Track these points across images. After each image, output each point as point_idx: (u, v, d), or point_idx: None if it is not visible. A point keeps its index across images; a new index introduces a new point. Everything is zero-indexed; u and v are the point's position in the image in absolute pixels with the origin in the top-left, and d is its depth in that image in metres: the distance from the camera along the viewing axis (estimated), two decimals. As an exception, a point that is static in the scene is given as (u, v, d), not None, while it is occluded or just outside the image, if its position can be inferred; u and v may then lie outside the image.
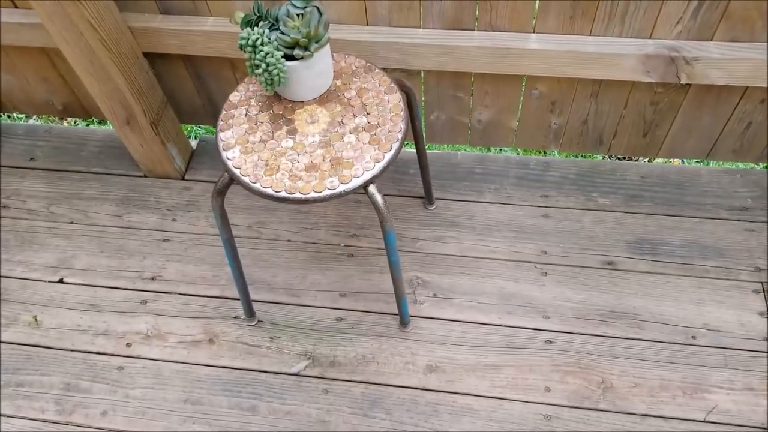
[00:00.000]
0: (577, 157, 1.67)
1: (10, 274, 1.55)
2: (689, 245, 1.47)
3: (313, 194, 0.98)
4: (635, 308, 1.39)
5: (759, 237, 1.47)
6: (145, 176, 1.69)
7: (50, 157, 1.75)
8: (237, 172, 1.02)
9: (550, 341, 1.36)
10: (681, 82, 1.30)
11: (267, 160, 1.02)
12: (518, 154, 1.69)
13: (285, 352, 1.39)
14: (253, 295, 1.46)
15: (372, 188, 1.01)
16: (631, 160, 1.87)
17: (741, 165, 1.64)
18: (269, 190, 0.99)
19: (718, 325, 1.35)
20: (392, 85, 1.10)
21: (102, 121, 2.12)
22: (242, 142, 1.05)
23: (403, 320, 1.37)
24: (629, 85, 1.38)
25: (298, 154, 1.03)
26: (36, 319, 1.48)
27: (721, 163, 1.63)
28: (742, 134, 1.46)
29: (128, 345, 1.42)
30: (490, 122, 1.53)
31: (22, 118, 2.17)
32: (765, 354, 1.31)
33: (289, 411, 1.32)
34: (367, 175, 0.99)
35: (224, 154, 1.04)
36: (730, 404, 1.26)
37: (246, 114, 1.09)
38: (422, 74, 1.43)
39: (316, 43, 0.99)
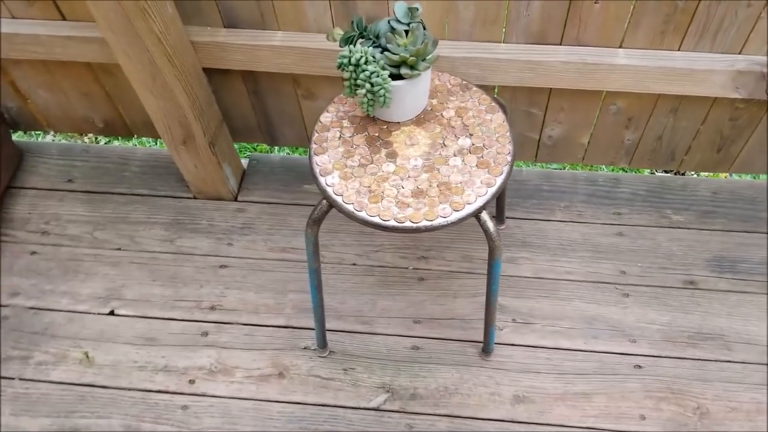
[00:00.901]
0: (644, 172, 1.62)
1: (56, 306, 1.46)
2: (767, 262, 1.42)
3: (424, 223, 0.91)
4: (722, 329, 1.34)
5: (842, 253, 1.42)
6: (194, 198, 1.61)
7: (90, 179, 1.66)
8: (339, 199, 0.95)
9: (640, 366, 1.30)
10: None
11: (370, 186, 0.96)
12: (584, 170, 1.64)
13: (361, 384, 1.32)
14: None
15: (484, 215, 0.94)
16: (698, 175, 1.82)
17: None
18: (376, 219, 0.92)
19: (811, 346, 1.31)
20: (493, 104, 1.04)
21: (143, 140, 2.04)
22: (340, 167, 0.98)
23: (488, 348, 1.30)
24: (711, 101, 1.33)
25: (402, 179, 0.96)
26: (87, 356, 1.39)
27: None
28: (820, 148, 1.42)
29: (191, 382, 1.34)
30: (560, 138, 1.48)
31: (48, 135, 2.08)
32: None
33: (370, 448, 1.24)
34: (480, 201, 0.93)
35: (322, 180, 0.97)
36: (833, 429, 1.21)
37: (340, 137, 1.02)
38: (496, 89, 1.37)
39: (424, 61, 0.93)
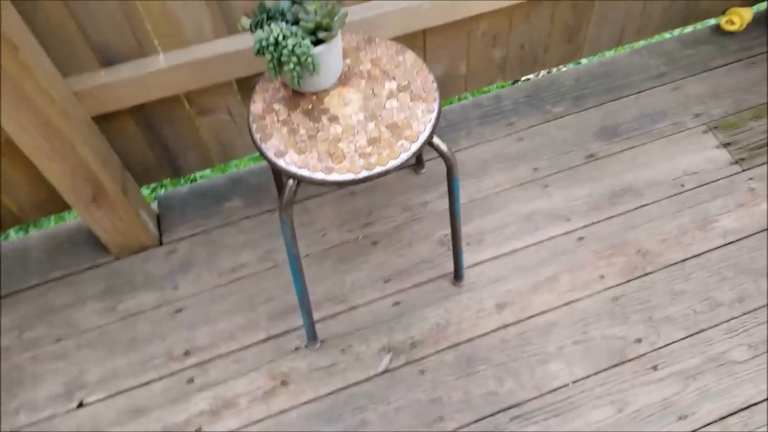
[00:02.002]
0: (516, 83, 1.80)
1: (14, 426, 1.31)
2: (639, 118, 1.66)
3: (392, 162, 0.97)
4: (629, 182, 1.55)
5: (684, 91, 1.70)
6: (117, 258, 1.51)
7: (-11, 286, 1.50)
8: (305, 172, 0.97)
9: (582, 237, 1.47)
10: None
11: (328, 151, 0.99)
12: (468, 98, 1.79)
13: (363, 356, 1.34)
14: (302, 320, 1.39)
15: (436, 138, 1.02)
16: (559, 69, 2.03)
17: (642, 43, 1.88)
18: (349, 176, 0.96)
19: (694, 168, 1.56)
20: (400, 46, 1.11)
21: (34, 224, 1.85)
22: (292, 144, 1.00)
23: (459, 274, 1.39)
24: (553, -2, 1.53)
25: (353, 135, 1.01)
26: (75, 454, 1.27)
27: (628, 47, 1.86)
28: (641, 14, 1.68)
29: (198, 431, 1.28)
30: (444, 75, 1.60)
31: None
32: (737, 174, 1.53)
33: (398, 407, 1.28)
34: (429, 128, 1.01)
35: (281, 161, 0.99)
36: (734, 223, 1.46)
37: (278, 119, 1.04)
38: (373, 48, 1.45)
39: (338, 20, 0.98)
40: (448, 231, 1.50)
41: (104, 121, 1.33)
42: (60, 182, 1.25)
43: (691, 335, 1.31)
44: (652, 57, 1.79)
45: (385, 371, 1.32)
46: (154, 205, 1.60)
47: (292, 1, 0.99)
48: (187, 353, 1.37)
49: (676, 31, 1.91)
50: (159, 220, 1.57)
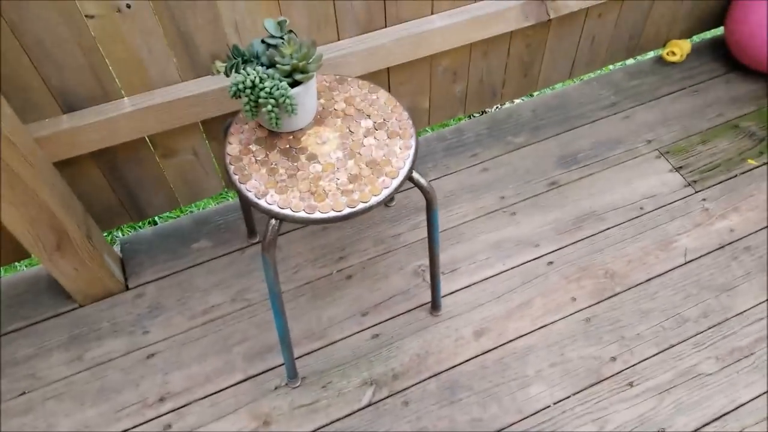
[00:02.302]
0: (476, 116, 1.86)
1: (-27, 488, 1.24)
2: (595, 146, 1.74)
3: (374, 199, 0.99)
4: (591, 207, 1.61)
5: (634, 120, 1.79)
6: (81, 306, 1.46)
7: (-59, 342, 1.42)
8: (287, 212, 0.97)
9: (551, 262, 1.52)
10: (550, 17, 1.55)
11: (309, 190, 1.00)
12: (431, 131, 1.83)
13: (345, 391, 1.33)
14: (280, 359, 1.37)
15: (415, 174, 1.04)
16: (513, 102, 2.12)
17: (592, 75, 1.98)
18: (331, 213, 0.97)
19: (651, 192, 1.63)
20: (372, 84, 1.14)
21: None
22: (272, 184, 1.01)
23: (437, 303, 1.41)
24: (509, 36, 1.59)
25: (334, 173, 1.02)
26: None
27: (578, 79, 1.95)
28: (590, 49, 1.77)
29: (178, 477, 1.24)
30: (408, 110, 1.63)
31: None
32: (691, 196, 1.62)
33: (383, 440, 1.27)
34: (408, 163, 1.03)
35: (262, 201, 0.99)
36: (693, 242, 1.53)
37: (256, 160, 1.04)
38: (341, 86, 1.48)
39: (314, 62, 1.00)
40: (422, 262, 1.52)
41: (65, 165, 1.30)
42: (21, 231, 1.21)
43: (662, 351, 1.36)
44: (601, 88, 1.88)
45: (369, 404, 1.32)
46: (117, 249, 1.55)
47: (266, 45, 1.01)
48: (162, 399, 1.33)
49: (620, 64, 2.02)
50: (123, 264, 1.53)
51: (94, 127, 1.23)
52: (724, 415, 1.27)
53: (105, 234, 1.82)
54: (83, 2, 1.08)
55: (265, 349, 1.39)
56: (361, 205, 0.98)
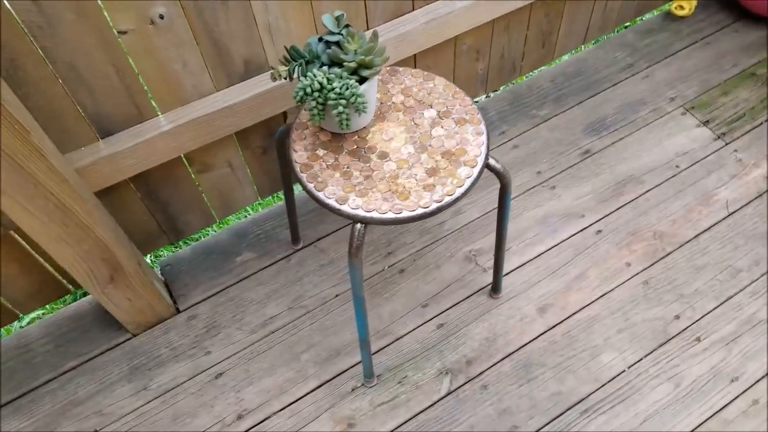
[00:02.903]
0: (494, 93, 1.84)
1: None
2: (621, 109, 1.74)
3: (458, 191, 0.97)
4: (628, 171, 1.62)
5: (654, 78, 1.80)
6: (134, 335, 1.42)
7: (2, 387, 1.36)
8: (374, 214, 0.95)
9: (599, 231, 1.52)
10: (571, -17, 1.53)
11: (389, 189, 0.97)
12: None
13: (422, 384, 1.32)
14: (351, 361, 1.35)
15: (491, 161, 1.03)
16: (532, 74, 2.10)
17: (604, 37, 1.97)
18: (419, 211, 0.95)
19: (683, 149, 1.65)
20: (427, 73, 1.11)
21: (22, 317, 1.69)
22: (351, 188, 0.98)
23: (498, 287, 1.40)
24: (529, 6, 1.58)
25: (410, 169, 1.00)
26: None
27: (590, 44, 1.94)
28: (603, 12, 1.77)
29: (270, 494, 1.22)
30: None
31: None
32: (723, 148, 1.64)
33: (471, 425, 1.27)
34: (484, 149, 1.01)
35: (346, 207, 0.96)
36: (732, 194, 1.55)
37: (327, 166, 1.01)
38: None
39: (378, 57, 0.97)
40: (471, 247, 1.51)
41: (103, 194, 1.25)
42: (75, 267, 1.15)
43: (722, 303, 1.38)
44: (615, 50, 1.88)
45: (448, 393, 1.31)
46: (158, 272, 1.51)
47: (326, 43, 0.97)
48: (240, 417, 1.30)
49: (631, 23, 2.02)
50: (168, 287, 1.49)
51: (132, 150, 1.17)
52: (797, 358, 1.30)
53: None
54: (115, 18, 1.02)
55: (333, 353, 1.37)
56: (447, 199, 0.96)
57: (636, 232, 1.51)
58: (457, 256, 1.50)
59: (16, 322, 1.58)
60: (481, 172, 0.99)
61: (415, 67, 1.51)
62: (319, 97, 0.94)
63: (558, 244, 1.51)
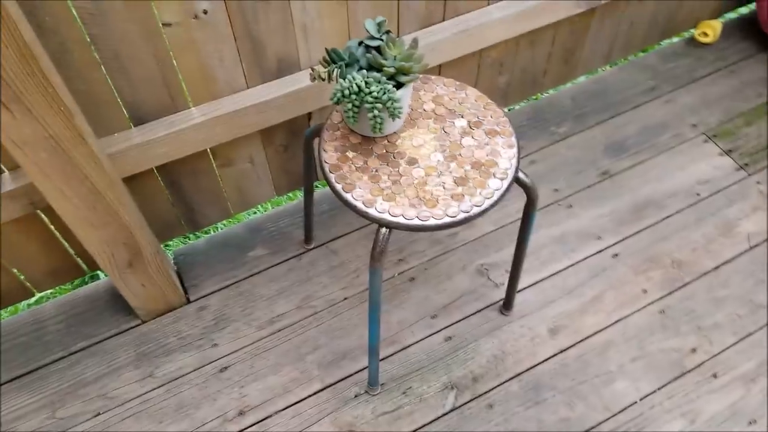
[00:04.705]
0: (514, 107, 1.84)
1: None
2: (642, 132, 1.74)
3: (487, 202, 0.96)
4: (648, 195, 1.61)
5: (676, 103, 1.79)
6: (144, 322, 1.41)
7: (10, 363, 1.36)
8: (400, 219, 0.94)
9: (616, 254, 1.51)
10: (602, 1, 1.53)
11: (418, 195, 0.97)
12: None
13: (426, 396, 1.31)
14: (355, 366, 1.34)
15: (521, 174, 1.02)
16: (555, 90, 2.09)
17: (627, 59, 1.97)
18: (445, 219, 0.94)
19: (705, 177, 1.64)
20: (460, 83, 1.11)
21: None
22: (378, 191, 0.97)
23: (510, 303, 1.39)
24: (555, 22, 1.57)
25: (438, 177, 0.99)
26: None
27: (613, 64, 1.94)
28: (627, 32, 1.76)
29: (268, 493, 1.21)
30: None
31: None
32: (745, 179, 1.63)
33: (472, 442, 1.26)
34: (514, 162, 1.01)
35: (372, 210, 0.95)
36: (754, 226, 1.54)
37: (355, 168, 1.00)
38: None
39: (417, 63, 0.96)
40: (483, 260, 1.50)
41: (130, 180, 1.24)
42: (98, 250, 1.15)
43: (741, 339, 1.36)
44: (638, 72, 1.88)
45: (453, 409, 1.30)
46: (171, 262, 1.50)
47: (366, 47, 0.97)
48: (242, 413, 1.29)
49: (655, 47, 2.02)
50: (180, 277, 1.48)
51: (164, 140, 1.17)
52: (810, 397, 1.29)
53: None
54: (161, 10, 1.03)
55: (339, 357, 1.36)
56: (475, 210, 0.95)
57: (654, 258, 1.50)
58: (469, 268, 1.49)
59: (25, 301, 1.58)
60: (510, 185, 0.99)
61: (440, 74, 1.50)
62: (356, 99, 0.93)
63: (574, 264, 1.50)
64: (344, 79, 0.93)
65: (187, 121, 1.19)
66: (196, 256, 1.52)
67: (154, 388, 1.32)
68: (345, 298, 1.45)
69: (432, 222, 0.94)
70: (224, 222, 1.68)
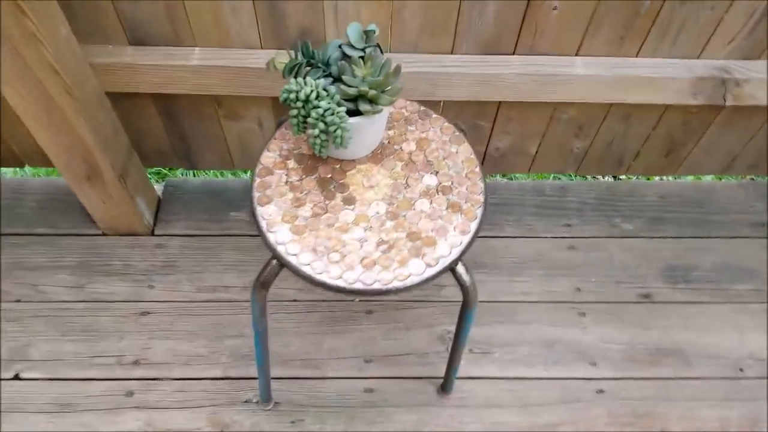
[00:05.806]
0: (590, 178, 1.58)
1: (-59, 375, 1.22)
2: (719, 268, 1.41)
3: (396, 284, 0.79)
4: (680, 343, 1.32)
5: (779, 253, 1.44)
6: (104, 234, 1.40)
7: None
8: (293, 260, 0.80)
9: (602, 390, 1.26)
10: (725, 104, 1.22)
11: (328, 243, 0.82)
12: (530, 179, 1.58)
13: (314, 438, 1.19)
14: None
15: (460, 267, 0.83)
16: (648, 179, 1.81)
17: (750, 178, 1.62)
18: (340, 282, 0.79)
19: (762, 353, 1.31)
20: (457, 133, 0.92)
21: (37, 168, 1.77)
22: (290, 219, 0.84)
23: (447, 388, 1.21)
24: (664, 107, 1.29)
25: (364, 231, 0.83)
26: (-13, 432, 1.17)
27: (731, 177, 1.60)
28: (759, 150, 1.42)
29: (117, 454, 1.16)
30: (508, 149, 1.39)
31: None
32: (811, 379, 1.28)
33: None
34: (455, 253, 0.82)
35: (271, 237, 0.82)
36: (789, 437, 1.22)
37: (287, 181, 0.87)
38: (442, 103, 1.26)
39: (385, 93, 0.80)
40: (453, 328, 1.30)
41: (122, 97, 1.19)
42: (53, 152, 1.13)
43: None
44: (758, 198, 1.53)
45: (331, 465, 1.17)
46: (160, 188, 1.47)
47: (344, 53, 0.81)
48: (136, 362, 1.25)
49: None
50: (159, 206, 1.44)
51: (156, 70, 1.10)
52: None
53: (154, 170, 1.73)
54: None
55: (253, 356, 1.26)
56: (376, 286, 0.79)
57: (643, 416, 1.23)
58: (434, 329, 1.31)
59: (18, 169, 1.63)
60: (436, 277, 0.81)
61: (498, 114, 1.30)
62: (302, 108, 0.79)
63: (548, 379, 1.27)
64: (296, 81, 0.78)
65: (186, 59, 1.10)
66: (184, 193, 1.47)
67: (77, 301, 1.31)
68: (294, 300, 1.34)
69: (323, 278, 0.79)
70: (231, 172, 1.61)
